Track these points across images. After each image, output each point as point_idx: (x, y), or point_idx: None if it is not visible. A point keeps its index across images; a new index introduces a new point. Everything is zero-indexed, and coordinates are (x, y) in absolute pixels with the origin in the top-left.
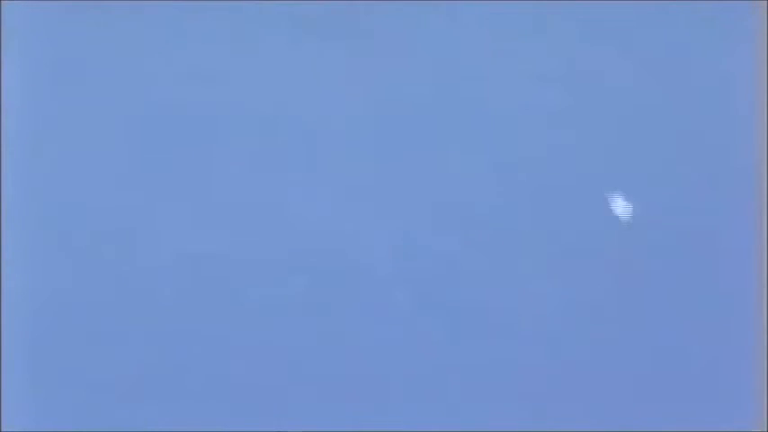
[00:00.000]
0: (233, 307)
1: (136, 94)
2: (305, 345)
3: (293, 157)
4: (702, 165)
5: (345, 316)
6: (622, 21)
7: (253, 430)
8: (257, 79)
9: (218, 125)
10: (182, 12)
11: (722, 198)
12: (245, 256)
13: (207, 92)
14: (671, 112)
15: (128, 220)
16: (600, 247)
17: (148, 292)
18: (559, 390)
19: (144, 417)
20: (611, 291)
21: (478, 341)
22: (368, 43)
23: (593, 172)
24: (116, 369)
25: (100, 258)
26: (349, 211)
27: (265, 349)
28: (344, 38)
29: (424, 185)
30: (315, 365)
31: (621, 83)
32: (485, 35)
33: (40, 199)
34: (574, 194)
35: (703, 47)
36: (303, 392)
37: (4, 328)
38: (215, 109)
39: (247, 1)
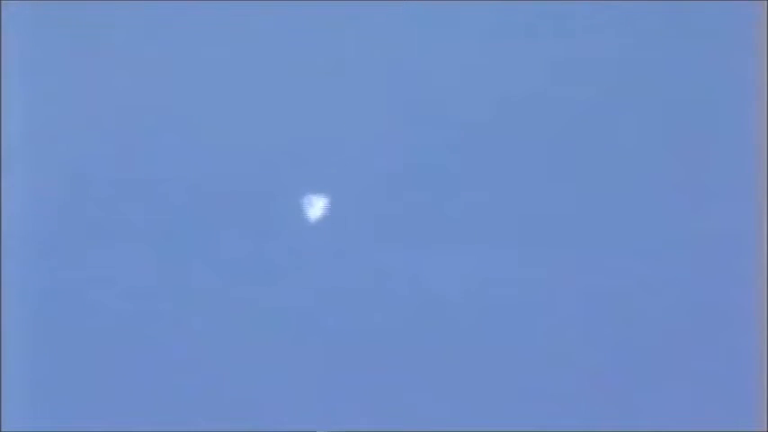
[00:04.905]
0: (238, 312)
1: (136, 94)
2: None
3: (296, 160)
4: (702, 164)
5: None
6: (622, 21)
7: (253, 430)
8: (256, 76)
9: (220, 126)
10: (182, 11)
11: (722, 198)
12: (247, 261)
13: (208, 92)
14: (671, 112)
15: (126, 219)
16: (602, 247)
17: (149, 295)
18: (558, 389)
19: (143, 417)
20: (611, 291)
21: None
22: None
23: (593, 171)
24: (116, 369)
25: (98, 259)
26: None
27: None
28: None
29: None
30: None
31: (621, 83)
32: (481, 34)
33: (41, 200)
34: (573, 192)
35: (703, 47)
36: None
37: (4, 327)
38: (216, 109)
39: (248, 1)
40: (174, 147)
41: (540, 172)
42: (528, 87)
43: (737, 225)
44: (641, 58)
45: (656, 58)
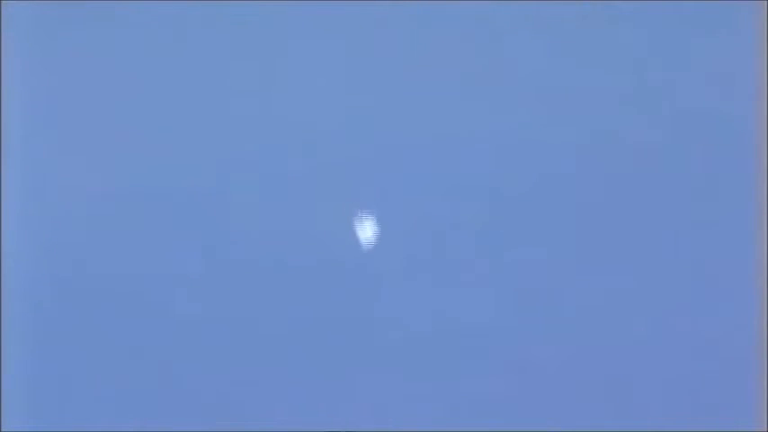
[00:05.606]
0: (241, 315)
1: (136, 94)
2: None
3: (296, 161)
4: (702, 165)
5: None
6: (622, 20)
7: (253, 430)
8: (257, 81)
9: (220, 122)
10: (182, 11)
11: (722, 198)
12: (247, 266)
13: (208, 91)
14: (670, 112)
15: (126, 218)
16: (604, 246)
17: (150, 295)
18: (558, 389)
19: (143, 417)
20: (613, 290)
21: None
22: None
23: (591, 173)
24: (116, 369)
25: (99, 259)
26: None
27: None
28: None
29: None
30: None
31: (621, 83)
32: (481, 35)
33: (40, 198)
34: (572, 190)
35: (703, 47)
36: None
37: (4, 326)
38: (217, 108)
39: (248, 1)
40: (175, 146)
41: (532, 170)
42: (525, 89)
43: (738, 226)
44: (641, 57)
45: (656, 58)
